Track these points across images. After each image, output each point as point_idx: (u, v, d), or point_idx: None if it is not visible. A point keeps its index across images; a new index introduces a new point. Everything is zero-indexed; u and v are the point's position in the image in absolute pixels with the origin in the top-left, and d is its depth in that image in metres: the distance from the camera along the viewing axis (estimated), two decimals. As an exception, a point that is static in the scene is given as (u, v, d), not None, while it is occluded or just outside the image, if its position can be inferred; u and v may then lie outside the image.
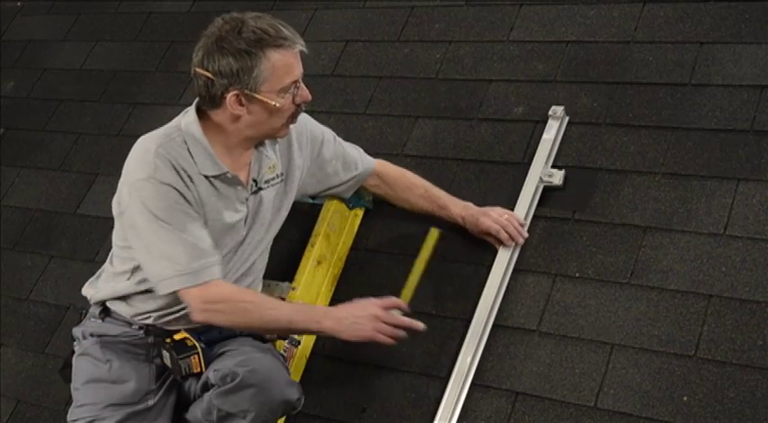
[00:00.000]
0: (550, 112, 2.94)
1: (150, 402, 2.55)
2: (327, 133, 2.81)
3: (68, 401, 3.03)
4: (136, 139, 3.68)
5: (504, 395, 2.55)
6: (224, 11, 3.93)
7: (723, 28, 2.93)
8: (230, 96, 2.42)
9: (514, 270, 2.72)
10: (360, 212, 3.01)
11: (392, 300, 2.52)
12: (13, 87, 4.25)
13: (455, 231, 2.88)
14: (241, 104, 2.43)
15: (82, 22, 4.35)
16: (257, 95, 2.41)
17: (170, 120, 3.73)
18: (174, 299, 2.49)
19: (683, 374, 2.41)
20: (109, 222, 3.46)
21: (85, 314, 2.69)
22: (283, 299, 2.80)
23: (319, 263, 2.88)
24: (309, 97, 2.50)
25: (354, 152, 2.85)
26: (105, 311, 2.61)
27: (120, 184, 2.50)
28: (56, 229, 3.59)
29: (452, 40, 3.35)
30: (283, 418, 2.62)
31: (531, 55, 3.17)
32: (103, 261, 3.31)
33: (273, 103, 2.43)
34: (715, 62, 2.88)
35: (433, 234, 2.66)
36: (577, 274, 2.66)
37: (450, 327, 2.71)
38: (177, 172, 2.42)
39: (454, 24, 3.39)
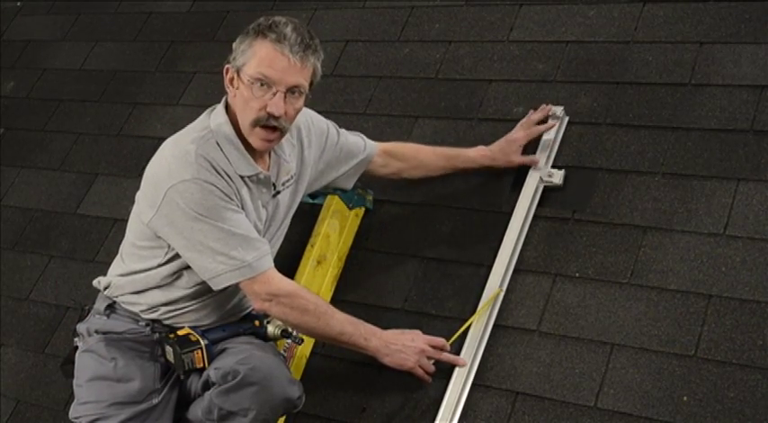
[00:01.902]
0: (550, 112, 2.94)
1: (154, 401, 2.54)
2: (330, 125, 2.82)
3: (68, 401, 3.04)
4: (136, 139, 3.71)
5: (504, 395, 2.55)
6: (224, 11, 3.97)
7: (723, 28, 2.93)
8: (225, 69, 2.49)
9: (514, 270, 2.72)
10: (360, 212, 3.01)
11: (440, 340, 2.59)
12: (13, 87, 4.25)
13: (456, 231, 2.88)
14: (232, 83, 2.48)
15: (82, 22, 4.35)
16: (239, 75, 2.45)
17: (170, 120, 3.75)
18: (187, 293, 2.51)
19: (683, 374, 2.41)
20: (109, 222, 3.49)
21: (89, 310, 2.68)
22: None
23: (319, 263, 2.88)
24: (276, 111, 2.42)
25: (356, 138, 2.86)
26: (110, 308, 2.60)
27: (151, 187, 2.48)
28: (56, 229, 3.59)
29: (452, 40, 3.35)
30: (283, 418, 2.62)
31: (531, 55, 3.17)
32: (104, 261, 3.34)
33: (244, 86, 2.43)
34: (715, 62, 2.88)
35: (496, 293, 2.67)
36: (577, 274, 2.66)
37: (450, 327, 2.71)
38: (218, 172, 2.43)
39: (454, 24, 3.39)
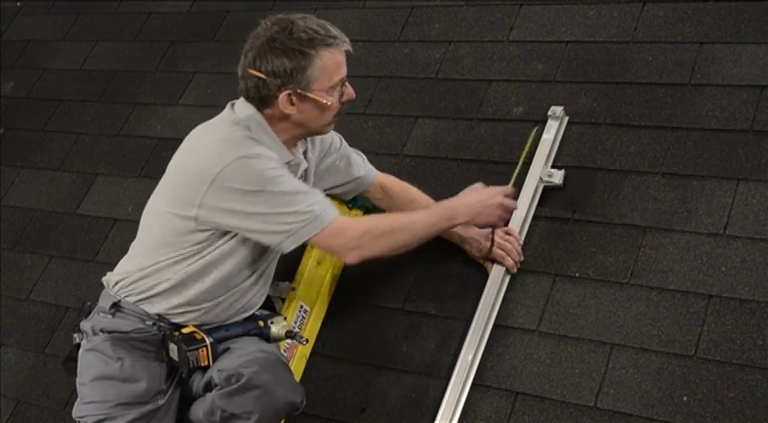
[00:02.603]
0: (550, 113, 2.94)
1: (160, 402, 2.54)
2: (335, 134, 2.82)
3: (68, 401, 3.05)
4: (136, 139, 3.71)
5: (504, 395, 2.55)
6: (224, 11, 3.97)
7: (723, 28, 2.94)
8: (282, 96, 2.46)
9: (516, 270, 2.72)
10: (360, 212, 3.01)
11: (507, 188, 2.68)
12: (13, 87, 4.26)
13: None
14: (292, 103, 2.47)
15: (82, 22, 4.35)
16: (309, 94, 2.46)
17: (170, 120, 3.75)
18: (204, 290, 2.51)
19: (683, 374, 2.41)
20: (109, 222, 3.49)
21: (91, 307, 2.66)
22: (283, 300, 2.80)
23: (319, 263, 2.88)
24: (353, 95, 2.56)
25: (358, 158, 2.87)
26: (116, 306, 2.57)
27: (192, 176, 2.45)
28: (56, 229, 3.59)
29: (452, 40, 3.35)
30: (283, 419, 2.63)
31: (531, 55, 3.18)
32: (104, 261, 3.34)
33: (324, 101, 2.48)
34: (715, 62, 2.88)
35: (533, 133, 2.85)
36: (577, 274, 2.66)
37: (450, 327, 2.71)
38: (266, 148, 2.48)
39: (454, 24, 3.40)
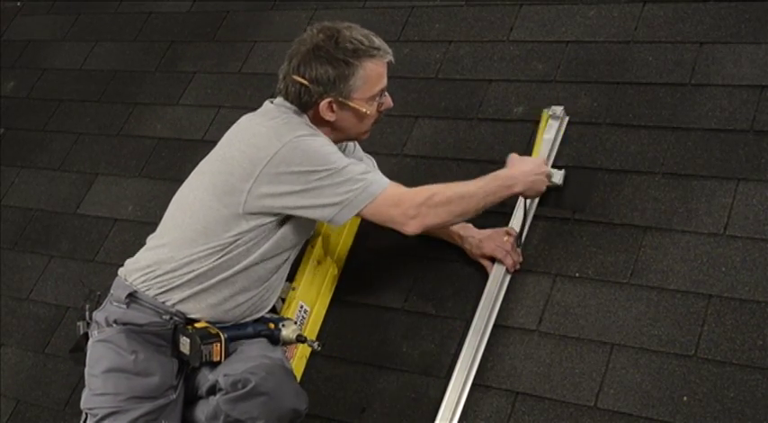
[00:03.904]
0: (550, 112, 2.94)
1: (172, 396, 2.53)
2: None
3: (68, 402, 3.05)
4: (136, 139, 3.71)
5: (504, 395, 2.55)
6: (224, 11, 3.97)
7: (723, 28, 2.93)
8: (324, 103, 2.52)
9: (514, 270, 2.72)
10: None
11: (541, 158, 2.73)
12: (13, 87, 4.25)
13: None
14: (332, 111, 2.54)
15: (82, 22, 4.35)
16: (350, 102, 2.53)
17: (170, 120, 3.75)
18: (227, 285, 2.52)
19: (683, 374, 2.41)
20: (109, 222, 3.49)
21: (100, 297, 2.64)
22: (283, 299, 2.80)
23: (319, 263, 2.88)
24: (392, 104, 2.64)
25: (369, 162, 2.88)
26: (132, 296, 2.54)
27: (245, 161, 2.48)
28: (56, 229, 3.59)
29: (452, 40, 3.35)
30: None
31: (531, 55, 3.18)
32: (104, 261, 3.34)
33: (364, 110, 2.54)
34: (715, 62, 2.88)
35: (545, 115, 2.87)
36: (577, 274, 2.66)
37: (450, 327, 2.71)
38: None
39: (454, 24, 3.40)
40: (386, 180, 2.52)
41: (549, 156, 2.86)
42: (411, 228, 2.50)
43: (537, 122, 2.97)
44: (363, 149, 2.90)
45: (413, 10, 3.51)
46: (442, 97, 3.22)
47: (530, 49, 3.19)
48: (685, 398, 2.37)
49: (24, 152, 3.95)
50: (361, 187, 2.46)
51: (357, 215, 2.51)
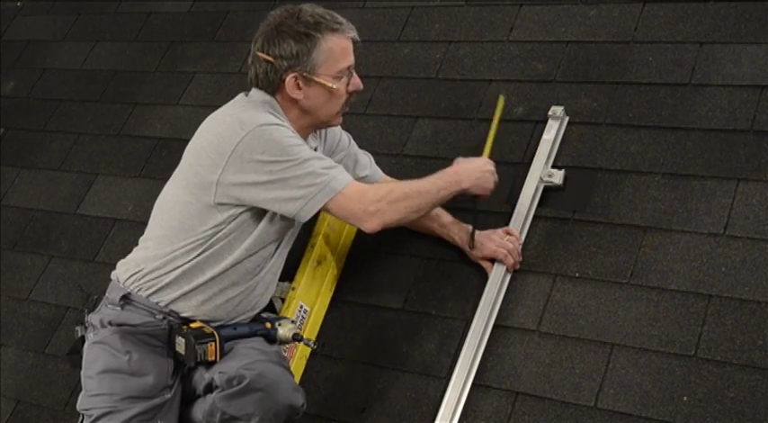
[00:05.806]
0: (550, 113, 2.94)
1: (167, 396, 2.53)
2: (344, 133, 2.85)
3: (68, 402, 3.05)
4: (136, 140, 3.71)
5: (504, 395, 2.55)
6: (224, 11, 3.97)
7: (723, 28, 2.93)
8: (289, 79, 2.52)
9: (515, 270, 2.72)
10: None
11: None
12: (13, 87, 4.25)
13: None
14: (299, 88, 2.53)
15: (82, 22, 4.35)
16: (315, 78, 2.51)
17: (170, 119, 3.75)
18: (216, 281, 2.52)
19: (683, 374, 2.41)
20: (109, 222, 3.49)
21: (97, 299, 2.65)
22: (283, 299, 2.80)
23: (319, 263, 2.88)
24: (361, 86, 2.62)
25: (365, 158, 2.88)
26: (126, 298, 2.56)
27: (211, 151, 2.49)
28: (56, 229, 3.59)
29: (452, 40, 3.35)
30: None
31: (531, 55, 3.17)
32: (104, 261, 3.34)
33: (330, 84, 2.52)
34: (715, 62, 2.88)
35: (501, 101, 2.82)
36: (577, 274, 2.66)
37: (450, 327, 2.71)
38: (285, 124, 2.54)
39: (454, 24, 3.39)
40: (348, 176, 2.52)
41: (549, 156, 2.86)
42: (371, 224, 2.51)
43: (537, 122, 2.97)
44: (364, 150, 2.90)
45: (413, 10, 3.51)
46: (442, 97, 3.22)
47: (530, 49, 3.19)
48: (685, 398, 2.37)
49: (24, 152, 3.95)
50: (323, 182, 2.46)
51: (321, 210, 2.51)
